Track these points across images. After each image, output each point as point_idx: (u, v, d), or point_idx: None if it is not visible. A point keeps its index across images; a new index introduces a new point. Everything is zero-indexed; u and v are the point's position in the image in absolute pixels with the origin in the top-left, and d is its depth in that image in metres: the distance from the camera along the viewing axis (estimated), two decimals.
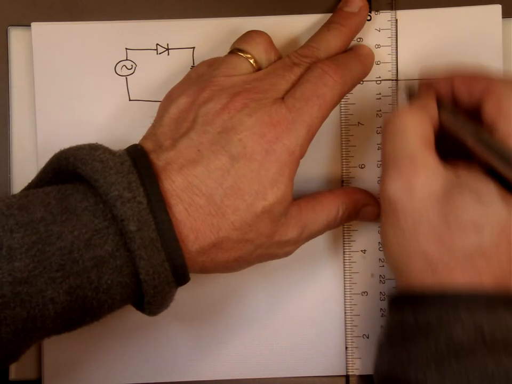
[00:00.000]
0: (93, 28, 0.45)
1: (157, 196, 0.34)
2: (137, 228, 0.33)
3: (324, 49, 0.40)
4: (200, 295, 0.45)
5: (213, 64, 0.40)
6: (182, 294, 0.44)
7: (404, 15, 0.45)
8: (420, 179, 0.36)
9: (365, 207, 0.42)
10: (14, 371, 0.45)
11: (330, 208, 0.40)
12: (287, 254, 0.40)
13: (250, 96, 0.37)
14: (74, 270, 0.33)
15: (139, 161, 0.35)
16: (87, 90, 0.44)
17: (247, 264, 0.39)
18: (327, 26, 0.42)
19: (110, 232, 0.33)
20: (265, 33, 0.41)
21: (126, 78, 0.45)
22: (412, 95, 0.42)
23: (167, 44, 0.45)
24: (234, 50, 0.40)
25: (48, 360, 0.44)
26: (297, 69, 0.39)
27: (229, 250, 0.36)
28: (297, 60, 0.40)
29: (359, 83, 0.44)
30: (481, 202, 0.35)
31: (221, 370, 0.45)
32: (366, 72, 0.43)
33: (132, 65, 0.45)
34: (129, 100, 0.45)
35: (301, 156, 0.37)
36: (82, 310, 0.34)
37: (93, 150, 0.35)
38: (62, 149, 0.36)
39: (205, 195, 0.35)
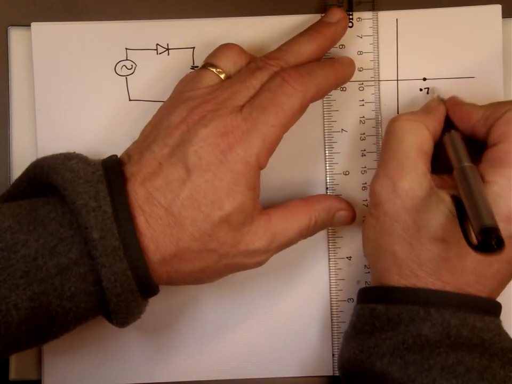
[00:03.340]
0: (93, 28, 0.45)
1: (123, 206, 0.35)
2: (100, 236, 0.34)
3: (293, 52, 0.40)
4: (199, 295, 0.45)
5: (184, 80, 0.41)
6: (183, 295, 0.45)
7: (404, 15, 0.45)
8: (404, 182, 0.38)
9: (339, 213, 0.42)
10: (14, 371, 0.45)
11: (302, 216, 0.40)
12: (258, 264, 0.39)
13: (209, 107, 0.37)
14: (38, 277, 0.33)
15: (111, 171, 0.36)
16: (87, 90, 0.44)
17: (216, 275, 0.39)
18: (301, 32, 0.42)
19: (75, 241, 0.34)
20: (235, 45, 0.41)
21: (126, 78, 0.45)
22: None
23: (167, 44, 0.45)
24: (204, 65, 0.41)
25: (48, 360, 0.44)
26: (260, 73, 0.39)
27: (192, 261, 0.37)
28: (262, 64, 0.39)
29: (338, 89, 0.44)
30: (451, 219, 0.36)
31: (219, 370, 0.45)
32: (341, 80, 0.42)
33: (131, 65, 0.45)
34: (129, 100, 0.45)
35: (260, 165, 0.37)
36: (48, 317, 0.34)
37: (67, 159, 0.36)
38: (39, 157, 0.37)
39: (163, 206, 0.36)
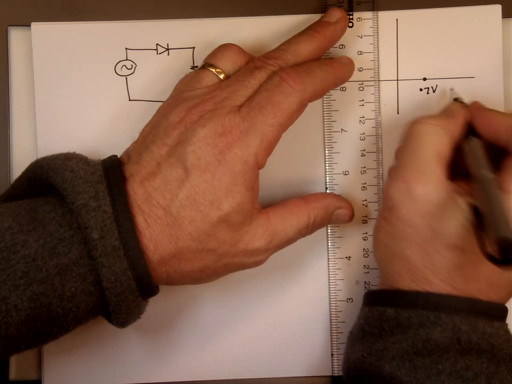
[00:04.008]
0: (93, 28, 0.45)
1: (122, 206, 0.35)
2: (100, 236, 0.34)
3: (291, 52, 0.40)
4: (199, 295, 0.45)
5: (183, 80, 0.41)
6: (183, 295, 0.44)
7: (404, 15, 0.45)
8: (421, 187, 0.37)
9: (337, 211, 0.41)
10: (14, 371, 0.45)
11: (301, 215, 0.40)
12: (257, 263, 0.39)
13: (207, 107, 0.37)
14: (37, 277, 0.33)
15: (110, 171, 0.36)
16: (87, 90, 0.44)
17: (215, 274, 0.39)
18: (300, 32, 0.42)
19: (75, 241, 0.34)
20: (234, 45, 0.41)
21: (126, 78, 0.45)
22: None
23: (167, 44, 0.45)
24: (203, 65, 0.40)
25: (48, 360, 0.44)
26: (258, 72, 0.39)
27: (191, 260, 0.37)
28: (260, 63, 0.39)
29: (338, 89, 0.44)
30: (467, 227, 0.36)
31: (219, 370, 0.45)
32: (340, 79, 0.42)
33: (131, 65, 0.45)
34: (129, 100, 0.45)
35: (258, 164, 0.37)
36: (48, 318, 0.34)
37: (67, 159, 0.36)
38: (38, 158, 0.37)
39: (162, 206, 0.36)
